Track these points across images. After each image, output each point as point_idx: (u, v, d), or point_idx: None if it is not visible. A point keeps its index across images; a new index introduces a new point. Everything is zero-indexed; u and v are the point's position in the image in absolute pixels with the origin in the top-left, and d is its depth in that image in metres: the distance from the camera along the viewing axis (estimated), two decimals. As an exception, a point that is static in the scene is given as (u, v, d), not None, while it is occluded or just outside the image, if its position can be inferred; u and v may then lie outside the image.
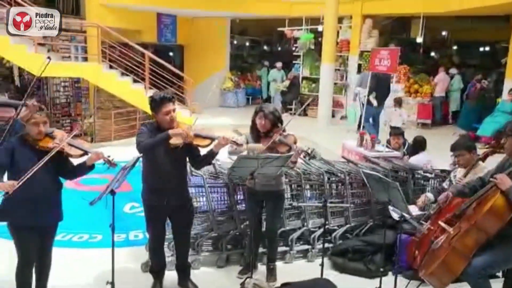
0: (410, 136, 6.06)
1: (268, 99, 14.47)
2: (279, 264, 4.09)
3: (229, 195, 4.14)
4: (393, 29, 13.22)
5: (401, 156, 5.75)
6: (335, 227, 4.42)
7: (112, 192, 2.79)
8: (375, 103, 7.93)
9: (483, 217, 2.81)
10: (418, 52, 13.17)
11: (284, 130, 3.60)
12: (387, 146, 5.93)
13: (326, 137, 9.20)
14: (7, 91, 12.13)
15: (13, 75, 12.16)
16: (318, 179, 4.33)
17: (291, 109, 12.42)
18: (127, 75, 10.22)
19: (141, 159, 3.30)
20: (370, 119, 8.51)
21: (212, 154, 3.33)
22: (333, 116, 11.84)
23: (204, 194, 4.11)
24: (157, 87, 10.41)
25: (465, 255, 2.82)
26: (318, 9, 10.91)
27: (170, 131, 3.09)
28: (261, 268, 3.98)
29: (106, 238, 4.67)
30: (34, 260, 3.04)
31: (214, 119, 11.21)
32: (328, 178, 4.48)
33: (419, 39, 11.24)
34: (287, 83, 12.60)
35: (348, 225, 4.39)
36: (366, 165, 4.67)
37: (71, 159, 3.06)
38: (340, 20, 11.63)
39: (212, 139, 3.25)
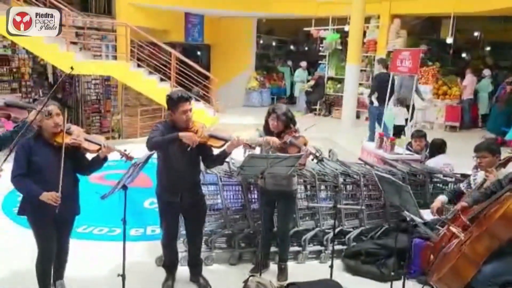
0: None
1: (292, 98, 14.47)
2: (291, 264, 4.11)
3: (244, 194, 4.19)
4: (423, 29, 12.92)
5: (423, 159, 5.63)
6: (351, 229, 4.40)
7: (124, 187, 2.87)
8: (376, 103, 8.14)
9: (496, 223, 2.75)
10: (448, 53, 12.83)
11: (296, 131, 3.61)
12: (408, 149, 5.82)
13: (348, 138, 9.10)
14: (41, 87, 12.65)
15: (47, 72, 12.64)
16: (332, 180, 4.31)
17: (315, 109, 12.36)
18: (154, 73, 10.44)
19: (156, 156, 3.40)
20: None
21: (224, 155, 3.37)
22: (358, 117, 11.73)
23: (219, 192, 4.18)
24: (184, 86, 10.60)
25: (475, 262, 2.76)
26: (345, 9, 10.81)
27: (181, 134, 3.15)
28: (273, 267, 4.01)
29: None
30: (53, 251, 3.14)
31: (237, 118, 11.28)
32: (344, 180, 4.47)
33: (449, 40, 10.96)
34: (311, 83, 12.54)
35: (362, 227, 4.36)
36: (382, 167, 4.61)
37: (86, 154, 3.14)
38: (367, 19, 11.49)
39: (226, 140, 3.30)
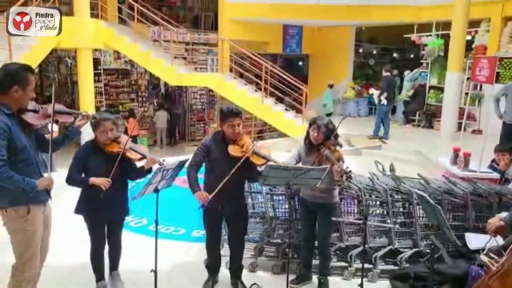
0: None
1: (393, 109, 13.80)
2: (336, 279, 4.03)
3: (288, 203, 4.23)
4: (546, 31, 11.28)
5: (510, 177, 4.97)
6: (406, 249, 4.14)
7: (156, 190, 3.16)
8: (385, 102, 9.60)
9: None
10: None
11: (335, 144, 3.56)
12: (493, 167, 5.19)
13: (443, 152, 8.38)
14: (156, 97, 14.18)
15: (160, 85, 14.12)
16: (382, 196, 4.11)
17: (414, 120, 11.62)
18: (247, 84, 10.93)
19: (204, 164, 3.63)
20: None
21: None
22: (464, 129, 10.73)
23: (269, 199, 4.29)
24: (277, 96, 10.90)
25: (502, 298, 2.43)
26: (448, 13, 10.03)
27: (195, 194, 3.43)
28: (316, 280, 3.97)
29: (188, 232, 5.19)
30: (103, 247, 3.58)
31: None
32: (402, 198, 4.22)
33: None
34: (410, 92, 11.84)
35: (416, 249, 4.07)
36: (439, 184, 4.23)
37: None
38: (476, 23, 10.51)
39: (268, 159, 3.42)
